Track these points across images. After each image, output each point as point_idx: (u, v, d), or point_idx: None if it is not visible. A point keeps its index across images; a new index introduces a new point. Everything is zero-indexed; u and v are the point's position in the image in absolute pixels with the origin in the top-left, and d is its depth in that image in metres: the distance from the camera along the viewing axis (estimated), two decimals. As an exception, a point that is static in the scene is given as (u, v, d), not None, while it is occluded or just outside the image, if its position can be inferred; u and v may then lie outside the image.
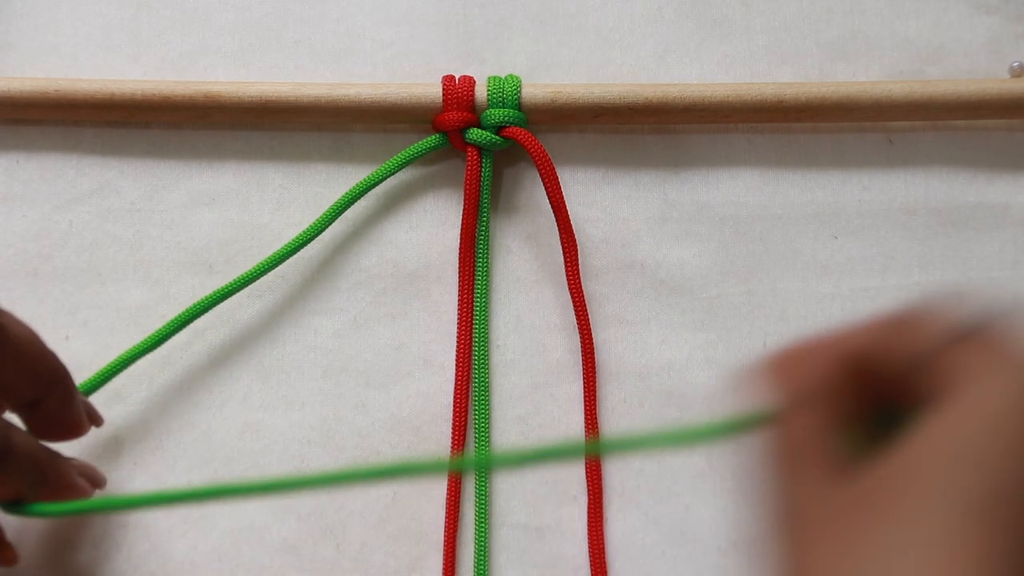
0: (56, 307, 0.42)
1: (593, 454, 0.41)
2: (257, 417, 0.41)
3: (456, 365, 0.41)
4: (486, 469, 0.41)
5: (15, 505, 0.35)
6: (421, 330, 0.42)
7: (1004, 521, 0.23)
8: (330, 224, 0.42)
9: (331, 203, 0.42)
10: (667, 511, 0.41)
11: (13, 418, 0.35)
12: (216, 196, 0.43)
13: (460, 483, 0.41)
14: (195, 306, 0.40)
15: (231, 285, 0.41)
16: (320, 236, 0.42)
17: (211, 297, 0.40)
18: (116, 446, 0.41)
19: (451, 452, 0.41)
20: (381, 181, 0.42)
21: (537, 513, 0.41)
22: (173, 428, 0.41)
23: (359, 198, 0.42)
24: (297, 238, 0.42)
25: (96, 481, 0.38)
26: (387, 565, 0.40)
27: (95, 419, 0.38)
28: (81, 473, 0.37)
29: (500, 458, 0.41)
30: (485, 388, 0.41)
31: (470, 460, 0.41)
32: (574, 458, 0.41)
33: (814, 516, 0.25)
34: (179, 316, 0.40)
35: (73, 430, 0.37)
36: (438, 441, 0.41)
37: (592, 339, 0.41)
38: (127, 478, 0.40)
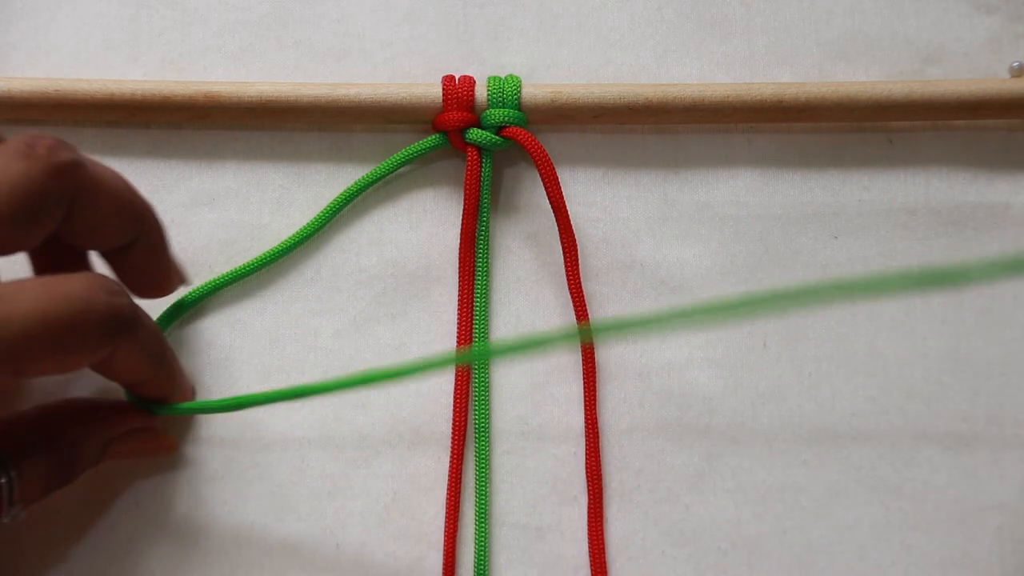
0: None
1: (587, 339, 0.41)
2: (257, 417, 0.41)
3: (456, 365, 0.41)
4: (487, 360, 0.41)
5: (152, 402, 0.38)
6: (421, 330, 0.42)
7: None
8: (328, 222, 0.42)
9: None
10: (667, 511, 0.41)
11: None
12: (216, 196, 0.43)
13: (460, 483, 0.41)
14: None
15: (224, 277, 0.41)
16: (320, 236, 0.42)
17: (215, 282, 0.41)
18: (116, 446, 0.41)
19: (451, 452, 0.41)
20: (380, 179, 0.42)
21: (537, 513, 0.41)
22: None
23: (358, 196, 0.42)
24: (296, 234, 0.42)
25: (192, 383, 0.41)
26: (387, 565, 0.40)
27: (182, 277, 0.39)
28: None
29: (500, 347, 0.40)
30: (485, 388, 0.41)
31: (472, 352, 0.41)
32: (572, 343, 0.41)
33: None
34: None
35: (164, 281, 0.37)
36: (438, 441, 0.41)
37: (592, 339, 0.41)
38: (128, 476, 0.40)
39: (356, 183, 0.42)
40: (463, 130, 0.42)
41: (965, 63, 0.44)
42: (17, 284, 0.30)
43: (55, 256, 0.36)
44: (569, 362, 0.42)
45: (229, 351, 0.42)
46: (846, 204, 0.43)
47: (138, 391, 0.38)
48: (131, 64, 0.44)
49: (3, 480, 0.33)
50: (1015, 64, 0.43)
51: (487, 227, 0.42)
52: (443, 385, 0.42)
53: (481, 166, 0.42)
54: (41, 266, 0.36)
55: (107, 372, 0.35)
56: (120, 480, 0.40)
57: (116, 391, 0.39)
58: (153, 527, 0.40)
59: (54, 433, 0.36)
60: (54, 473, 0.35)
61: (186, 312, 0.41)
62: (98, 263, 0.37)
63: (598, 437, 0.41)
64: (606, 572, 0.40)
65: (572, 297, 0.41)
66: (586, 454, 0.41)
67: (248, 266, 0.42)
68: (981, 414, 0.41)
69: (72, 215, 0.33)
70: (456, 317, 0.42)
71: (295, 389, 0.36)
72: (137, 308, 0.34)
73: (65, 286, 0.31)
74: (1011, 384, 0.42)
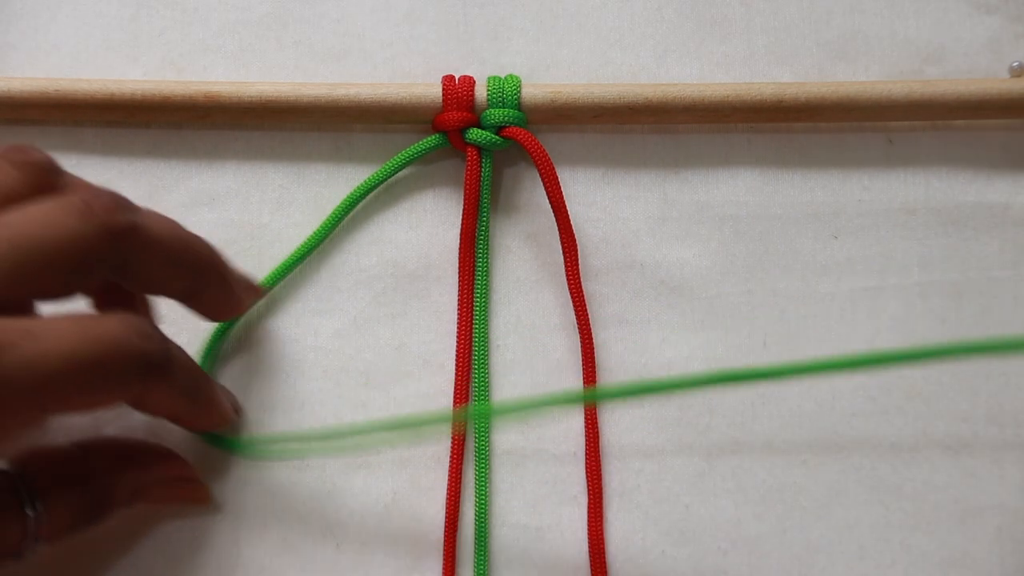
0: (56, 309, 0.41)
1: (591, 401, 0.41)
2: (257, 417, 0.41)
3: (456, 365, 0.41)
4: (487, 420, 0.41)
5: (219, 438, 0.39)
6: (421, 330, 0.42)
7: None
8: (333, 229, 0.42)
9: (331, 203, 0.42)
10: (667, 511, 0.41)
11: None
12: (216, 196, 0.43)
13: (460, 483, 0.41)
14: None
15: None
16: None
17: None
18: (116, 446, 0.41)
19: (451, 452, 0.41)
20: (382, 182, 0.42)
21: (537, 513, 0.41)
22: (174, 429, 0.41)
23: (360, 200, 0.42)
24: (302, 246, 0.42)
25: (238, 406, 0.40)
26: (387, 565, 0.40)
27: (254, 292, 0.40)
28: (226, 395, 0.39)
29: (501, 408, 0.41)
30: (485, 388, 0.41)
31: (471, 411, 0.41)
32: (572, 406, 0.41)
33: None
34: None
35: (234, 309, 0.38)
36: (438, 441, 0.41)
37: (592, 339, 0.41)
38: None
39: (358, 188, 0.42)
40: (463, 130, 0.42)
41: (965, 63, 0.44)
42: (51, 322, 0.30)
43: (107, 288, 0.36)
44: (569, 362, 0.42)
45: (228, 351, 0.42)
46: (846, 204, 0.43)
47: (177, 424, 0.38)
48: (131, 64, 0.44)
49: (29, 513, 0.33)
50: (1015, 64, 0.43)
51: (487, 227, 0.42)
52: (444, 385, 0.42)
53: (481, 166, 0.42)
54: (92, 295, 0.37)
55: (141, 409, 0.35)
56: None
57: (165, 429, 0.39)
58: (150, 527, 0.40)
59: (88, 471, 0.36)
60: (83, 511, 0.35)
61: (223, 342, 0.41)
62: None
63: (598, 437, 0.41)
64: (606, 572, 0.40)
65: (572, 297, 0.41)
66: (586, 454, 0.41)
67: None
68: (981, 414, 0.41)
69: (125, 272, 0.33)
70: (456, 317, 0.42)
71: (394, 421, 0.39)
72: (170, 350, 0.34)
73: (98, 327, 0.31)
74: (1011, 384, 0.42)
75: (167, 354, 0.33)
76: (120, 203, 0.33)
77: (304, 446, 0.40)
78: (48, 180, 0.33)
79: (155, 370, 0.33)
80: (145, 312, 0.38)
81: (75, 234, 0.31)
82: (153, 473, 0.38)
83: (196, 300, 0.36)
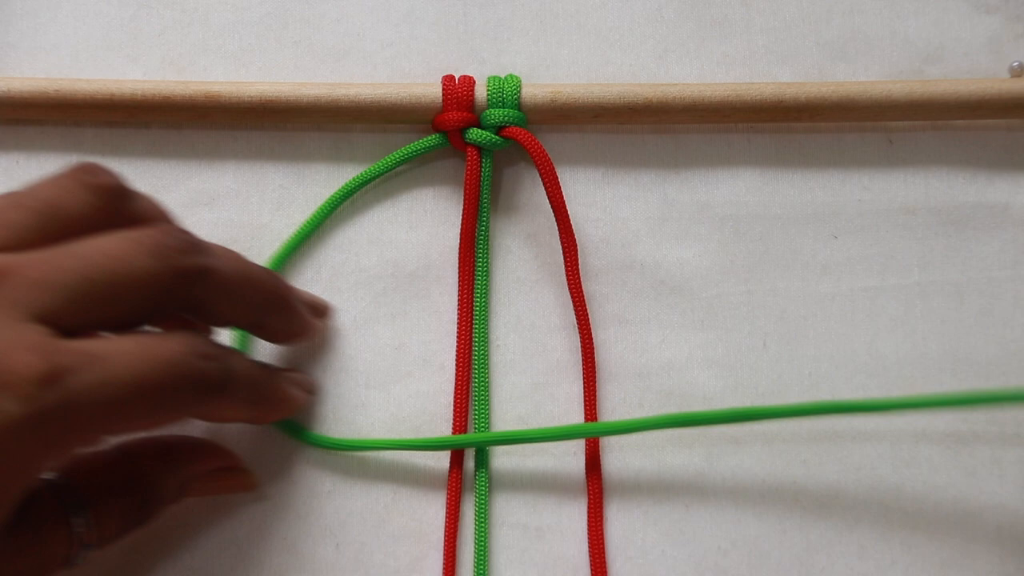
0: None
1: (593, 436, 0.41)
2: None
3: (456, 365, 0.41)
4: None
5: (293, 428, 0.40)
6: (421, 330, 0.42)
7: None
8: (325, 219, 0.42)
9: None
10: (667, 511, 0.41)
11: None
12: (216, 196, 0.43)
13: (460, 483, 0.41)
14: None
15: None
16: (320, 236, 0.42)
17: None
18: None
19: (451, 452, 0.41)
20: (377, 177, 0.42)
21: (537, 513, 0.41)
22: (173, 429, 0.41)
23: (355, 193, 0.42)
24: (295, 235, 0.42)
25: (311, 387, 0.41)
26: (387, 565, 0.40)
27: (322, 312, 0.41)
28: (295, 383, 0.39)
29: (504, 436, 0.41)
30: (485, 388, 0.41)
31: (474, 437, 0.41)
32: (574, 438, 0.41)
33: None
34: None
35: (301, 335, 0.39)
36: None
37: (592, 339, 0.41)
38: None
39: (354, 179, 0.42)
40: (463, 130, 0.42)
41: (965, 63, 0.44)
42: (114, 344, 0.31)
43: None
44: (569, 362, 0.42)
45: (229, 351, 0.42)
46: (846, 204, 0.43)
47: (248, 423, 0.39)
48: (131, 64, 0.44)
49: (76, 522, 0.33)
50: (1015, 64, 0.43)
51: (487, 227, 0.42)
52: (444, 385, 0.42)
53: (481, 166, 0.42)
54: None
55: (206, 420, 0.36)
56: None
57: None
58: (147, 528, 0.40)
59: (134, 474, 0.36)
60: (131, 514, 0.35)
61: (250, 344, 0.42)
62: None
63: (598, 437, 0.41)
64: (606, 572, 0.40)
65: (572, 297, 0.41)
66: (586, 454, 0.41)
67: None
68: (981, 414, 0.41)
69: (192, 311, 0.33)
70: (456, 317, 0.42)
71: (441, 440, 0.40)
72: (230, 366, 0.34)
73: (158, 349, 0.31)
74: (1011, 384, 0.42)
75: (227, 372, 0.33)
76: (192, 244, 0.33)
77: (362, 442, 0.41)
78: (120, 207, 0.33)
79: (214, 389, 0.33)
80: (206, 327, 0.38)
81: (146, 273, 0.31)
82: (197, 467, 0.38)
83: (262, 330, 0.37)
